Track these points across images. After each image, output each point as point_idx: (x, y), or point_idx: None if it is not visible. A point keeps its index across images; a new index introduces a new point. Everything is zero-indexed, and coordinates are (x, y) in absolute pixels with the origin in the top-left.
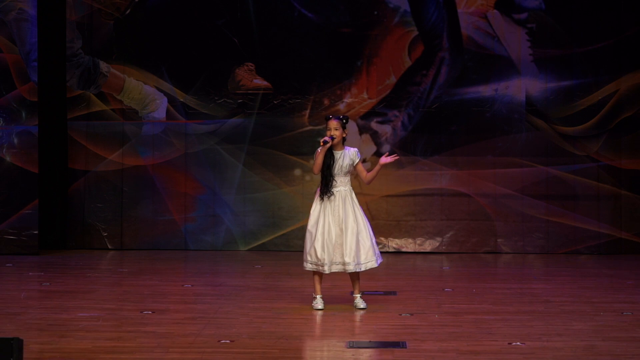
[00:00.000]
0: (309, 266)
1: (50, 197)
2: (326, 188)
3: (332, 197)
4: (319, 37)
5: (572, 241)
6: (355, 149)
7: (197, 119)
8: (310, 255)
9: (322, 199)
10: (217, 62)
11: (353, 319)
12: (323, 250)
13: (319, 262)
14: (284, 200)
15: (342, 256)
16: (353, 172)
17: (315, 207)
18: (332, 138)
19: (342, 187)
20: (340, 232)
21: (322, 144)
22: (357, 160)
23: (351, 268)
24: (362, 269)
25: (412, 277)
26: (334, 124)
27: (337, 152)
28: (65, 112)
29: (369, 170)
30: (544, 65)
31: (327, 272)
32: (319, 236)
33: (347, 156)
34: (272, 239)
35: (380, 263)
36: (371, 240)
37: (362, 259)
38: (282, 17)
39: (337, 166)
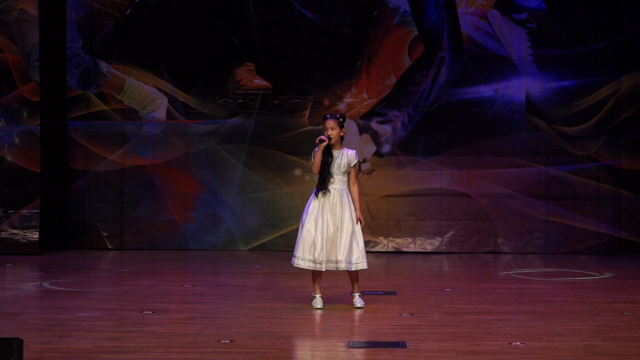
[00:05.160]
0: (303, 263)
1: (50, 197)
2: (323, 185)
3: (328, 194)
4: (319, 37)
5: (572, 241)
6: (354, 151)
7: (197, 119)
8: (309, 253)
9: (317, 195)
10: (217, 62)
11: (353, 319)
12: (322, 249)
13: (317, 261)
14: (284, 200)
15: (336, 254)
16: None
17: (313, 204)
18: (329, 138)
19: (340, 185)
20: (336, 230)
21: (317, 142)
22: (354, 162)
23: (342, 266)
24: (353, 269)
25: (412, 277)
26: (330, 123)
27: (336, 150)
28: (66, 112)
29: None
30: (544, 65)
31: (323, 269)
32: (318, 235)
33: (345, 156)
34: (272, 239)
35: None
36: (363, 242)
37: (354, 258)
38: (282, 17)
39: (335, 164)
